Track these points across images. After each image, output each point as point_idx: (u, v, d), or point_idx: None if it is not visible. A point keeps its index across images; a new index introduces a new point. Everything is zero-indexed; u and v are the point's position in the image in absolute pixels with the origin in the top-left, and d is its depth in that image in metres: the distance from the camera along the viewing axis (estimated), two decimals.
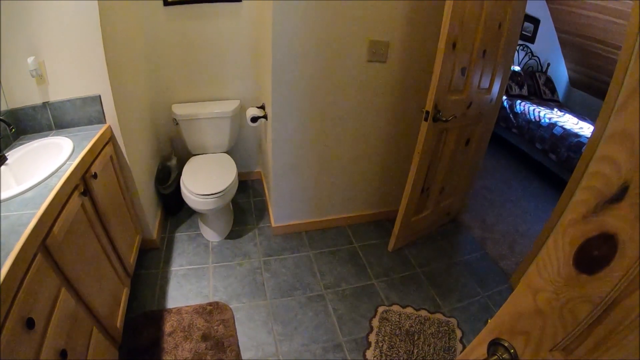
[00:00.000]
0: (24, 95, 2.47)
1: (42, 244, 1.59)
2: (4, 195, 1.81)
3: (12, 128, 2.15)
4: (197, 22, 3.23)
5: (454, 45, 2.28)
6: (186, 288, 2.80)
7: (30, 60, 2.33)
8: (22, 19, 2.25)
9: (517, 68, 5.99)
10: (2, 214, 1.68)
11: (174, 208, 3.58)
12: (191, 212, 3.59)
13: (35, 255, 1.52)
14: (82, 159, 2.09)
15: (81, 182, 2.04)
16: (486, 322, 1.05)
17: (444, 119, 2.45)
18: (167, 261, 3.05)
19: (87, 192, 2.09)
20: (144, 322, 2.55)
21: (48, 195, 1.73)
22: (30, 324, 1.38)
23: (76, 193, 1.96)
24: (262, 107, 3.13)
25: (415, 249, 3.22)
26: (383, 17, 2.51)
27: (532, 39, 5.99)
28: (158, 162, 3.58)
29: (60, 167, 1.98)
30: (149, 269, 2.98)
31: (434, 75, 2.33)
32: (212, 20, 3.23)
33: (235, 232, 3.34)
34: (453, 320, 2.61)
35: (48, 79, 2.45)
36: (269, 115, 2.83)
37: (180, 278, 2.89)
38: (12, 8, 2.23)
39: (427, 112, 2.44)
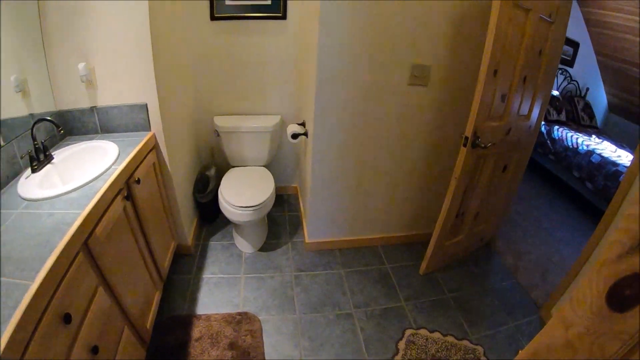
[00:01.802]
0: (73, 98, 2.61)
1: (84, 243, 1.66)
2: (50, 193, 1.90)
3: (61, 130, 2.24)
4: (242, 37, 3.33)
5: (495, 72, 2.28)
6: (217, 296, 2.85)
7: (81, 66, 2.45)
8: (75, 26, 2.40)
9: (555, 93, 5.86)
10: (47, 211, 1.77)
11: (210, 217, 3.65)
12: (226, 222, 3.65)
13: (77, 254, 1.59)
14: (127, 164, 2.17)
15: (125, 186, 2.13)
16: (517, 352, 1.07)
17: (483, 145, 2.44)
18: (200, 268, 3.12)
19: (129, 196, 2.18)
20: (172, 325, 2.61)
21: (93, 197, 1.81)
22: (67, 319, 1.44)
23: (119, 197, 2.04)
24: (303, 124, 3.18)
25: (446, 273, 3.19)
26: (426, 41, 2.53)
27: (571, 63, 5.85)
28: (197, 171, 3.67)
29: (105, 171, 2.07)
30: (181, 274, 3.05)
31: (474, 102, 2.33)
32: (257, 36, 3.32)
33: (268, 245, 3.38)
34: (479, 348, 2.58)
35: (97, 85, 2.57)
36: (310, 133, 2.88)
37: (211, 285, 2.94)
38: (67, 16, 2.38)
39: (467, 138, 2.43)
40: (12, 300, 1.26)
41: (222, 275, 3.04)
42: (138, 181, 2.28)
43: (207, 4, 3.18)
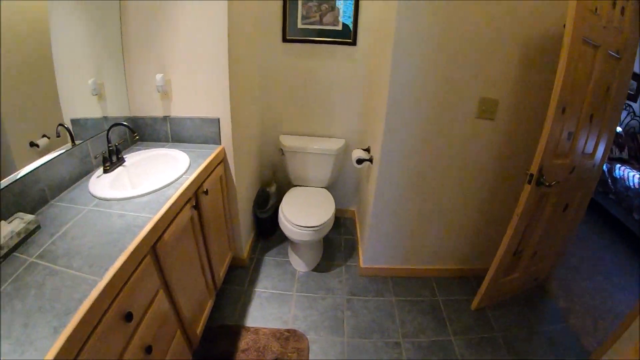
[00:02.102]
0: (147, 106, 2.78)
1: (152, 247, 1.74)
2: (121, 195, 2.02)
3: (136, 135, 2.37)
4: (312, 60, 3.42)
5: (563, 110, 2.24)
6: (267, 310, 2.89)
7: (159, 76, 2.59)
8: (155, 39, 2.57)
9: (618, 129, 5.53)
10: (118, 212, 1.86)
11: (267, 232, 3.72)
12: (282, 239, 3.70)
13: (144, 256, 1.66)
14: (198, 175, 2.27)
15: (193, 196, 2.21)
16: None
17: (547, 183, 2.38)
18: (253, 281, 3.17)
19: (197, 206, 2.26)
20: (221, 334, 2.66)
21: (165, 203, 1.90)
22: (128, 317, 1.50)
23: (188, 205, 2.13)
24: (368, 150, 3.20)
25: (497, 311, 3.11)
26: (495, 76, 2.51)
27: (635, 98, 5.54)
28: (258, 186, 3.76)
29: (177, 179, 2.17)
30: (234, 285, 3.12)
31: (541, 139, 2.28)
32: (327, 59, 3.40)
33: (322, 266, 3.40)
34: None
35: (172, 96, 2.70)
36: (375, 160, 2.90)
37: (262, 300, 2.99)
38: (147, 29, 2.56)
39: (531, 175, 2.39)
40: (79, 293, 1.34)
41: (274, 291, 3.08)
42: (206, 192, 2.37)
43: (280, 26, 3.30)
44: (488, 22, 2.34)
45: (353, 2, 3.15)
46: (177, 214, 1.99)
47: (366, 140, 3.43)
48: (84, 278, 1.41)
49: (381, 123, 2.69)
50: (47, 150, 2.05)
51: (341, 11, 3.21)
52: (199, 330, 2.37)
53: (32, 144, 1.99)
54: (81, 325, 1.22)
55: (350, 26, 3.24)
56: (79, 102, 2.40)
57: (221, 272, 2.83)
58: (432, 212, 3.04)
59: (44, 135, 2.05)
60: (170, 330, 1.97)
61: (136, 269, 1.59)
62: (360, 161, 3.08)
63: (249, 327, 2.73)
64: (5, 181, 1.78)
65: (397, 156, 2.76)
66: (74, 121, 2.26)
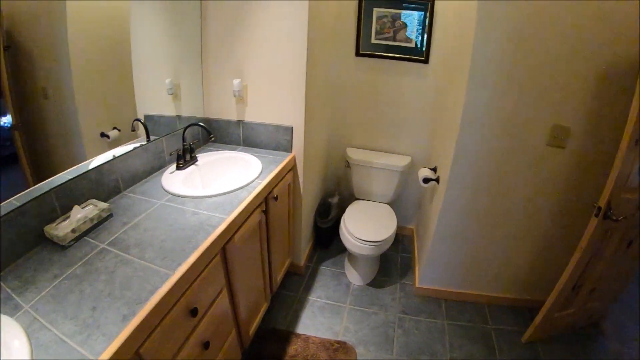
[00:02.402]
0: (221, 109, 2.88)
1: (222, 247, 1.79)
2: (195, 193, 2.10)
3: (212, 137, 2.44)
4: (383, 75, 3.43)
5: (636, 142, 2.16)
6: (319, 320, 2.91)
7: (236, 82, 2.67)
8: (235, 46, 2.69)
9: None
10: (191, 209, 1.94)
11: (325, 242, 3.74)
12: (339, 250, 3.72)
13: (215, 256, 1.72)
14: (270, 180, 2.33)
15: (264, 201, 2.27)
16: None
17: (615, 217, 2.31)
18: (308, 289, 3.20)
19: (266, 211, 2.31)
20: (271, 337, 2.71)
21: (238, 206, 1.96)
22: (194, 312, 1.56)
23: (258, 210, 2.18)
24: (434, 170, 3.18)
25: (548, 345, 3.00)
26: (568, 103, 2.44)
27: None
28: (321, 196, 3.78)
29: (249, 183, 2.23)
30: (289, 291, 3.16)
31: (612, 171, 2.20)
32: (397, 76, 3.40)
33: (377, 281, 3.38)
34: None
35: (247, 101, 2.77)
36: (442, 180, 2.87)
37: (315, 308, 3.01)
38: (227, 36, 2.67)
39: (599, 208, 2.31)
40: (151, 285, 1.40)
41: (327, 301, 3.09)
42: (276, 198, 2.42)
43: (353, 40, 3.34)
44: (563, 48, 2.28)
45: (427, 20, 3.14)
46: (248, 217, 2.05)
47: (432, 159, 3.40)
48: (155, 270, 1.47)
49: (451, 145, 2.66)
50: (116, 142, 2.17)
51: (414, 28, 3.20)
52: (252, 331, 2.41)
53: (103, 135, 2.10)
54: (150, 316, 1.28)
55: (424, 44, 3.23)
56: (154, 100, 2.52)
57: (279, 276, 2.87)
58: (494, 238, 2.98)
59: (114, 127, 2.17)
60: (227, 329, 2.01)
61: (206, 266, 1.64)
62: (426, 180, 3.06)
63: (299, 334, 2.75)
64: (76, 169, 1.89)
65: (465, 179, 2.72)
66: (147, 117, 2.38)
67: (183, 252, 1.58)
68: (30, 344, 1.14)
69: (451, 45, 3.06)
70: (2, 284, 1.42)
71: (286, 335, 2.72)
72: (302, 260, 3.34)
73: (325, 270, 3.45)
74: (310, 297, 3.12)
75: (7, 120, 1.58)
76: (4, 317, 1.24)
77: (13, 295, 1.36)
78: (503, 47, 2.31)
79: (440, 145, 3.12)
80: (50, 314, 1.26)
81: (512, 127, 2.52)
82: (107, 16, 2.09)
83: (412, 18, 3.18)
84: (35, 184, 1.68)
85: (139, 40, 2.30)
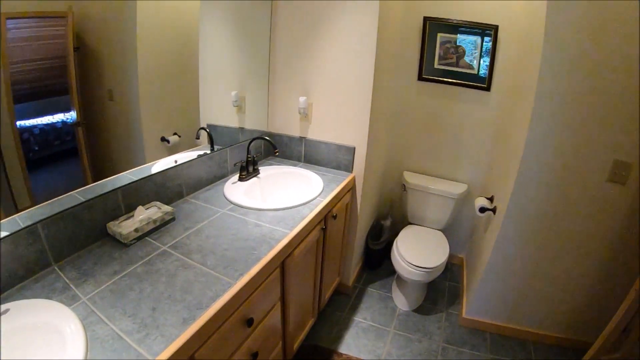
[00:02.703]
0: (286, 125, 2.95)
1: (283, 261, 1.83)
2: (258, 205, 2.15)
3: (277, 151, 2.49)
4: (444, 101, 3.42)
5: None
6: (362, 341, 2.89)
7: (302, 99, 2.73)
8: (301, 66, 2.77)
9: None
10: (254, 221, 1.98)
11: (374, 264, 3.72)
12: (388, 273, 3.69)
13: (275, 269, 1.75)
14: (331, 199, 2.36)
15: (323, 219, 2.29)
16: None
17: None
18: (353, 310, 3.19)
19: (325, 229, 2.33)
20: (313, 353, 2.71)
21: (301, 222, 2.00)
22: (249, 322, 1.59)
23: (318, 227, 2.21)
24: (491, 199, 3.14)
25: None
26: (630, 138, 2.39)
27: None
28: (374, 217, 3.78)
29: (311, 200, 2.27)
30: (335, 309, 3.16)
31: None
32: (459, 102, 3.38)
33: (423, 308, 3.34)
34: None
35: (312, 119, 2.82)
36: (499, 211, 2.83)
37: (359, 329, 2.99)
38: (296, 53, 2.75)
39: None
40: (212, 291, 1.43)
41: (372, 323, 3.07)
42: (335, 217, 2.45)
43: (416, 64, 3.35)
44: (628, 82, 2.22)
45: (490, 48, 3.12)
46: (308, 233, 2.08)
47: (489, 188, 3.34)
48: (217, 277, 1.51)
49: (511, 176, 2.62)
50: (175, 147, 2.26)
51: (477, 55, 3.19)
52: (296, 346, 2.42)
53: (163, 139, 2.19)
54: (210, 322, 1.31)
55: (486, 72, 3.20)
56: (218, 110, 2.61)
57: (327, 294, 2.88)
58: (547, 274, 2.90)
59: (174, 133, 2.25)
60: (274, 341, 2.04)
61: (266, 279, 1.68)
62: (483, 210, 3.01)
63: (341, 353, 2.74)
64: (139, 170, 2.01)
65: (523, 212, 2.66)
66: (210, 126, 2.46)
67: (245, 262, 1.61)
68: (86, 335, 1.19)
69: (514, 74, 3.03)
70: (60, 272, 1.49)
71: (328, 354, 2.72)
72: (350, 280, 3.34)
73: (373, 292, 3.44)
74: (355, 318, 3.11)
75: (70, 116, 1.67)
76: (59, 305, 1.30)
77: (71, 285, 1.43)
78: (568, 80, 2.27)
79: (499, 175, 3.07)
80: (108, 309, 1.31)
81: (572, 160, 2.46)
82: (176, 24, 2.20)
83: (475, 45, 3.17)
84: (94, 180, 1.78)
85: (207, 50, 2.39)
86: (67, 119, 1.66)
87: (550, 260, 2.81)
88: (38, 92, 1.55)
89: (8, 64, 1.38)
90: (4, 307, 1.26)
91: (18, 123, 1.46)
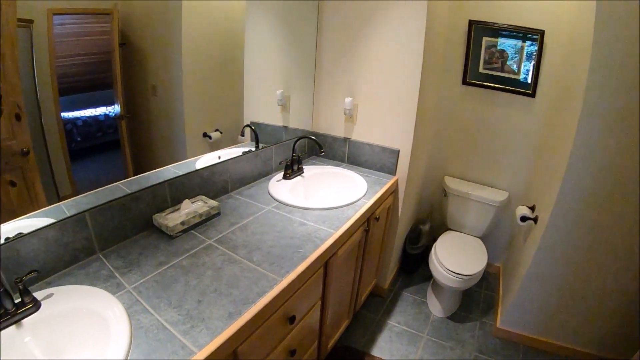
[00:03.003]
0: (331, 126, 2.97)
1: (327, 260, 1.84)
2: (303, 204, 2.16)
3: (322, 151, 2.51)
4: (488, 106, 3.36)
5: None
6: (395, 345, 2.88)
7: (348, 100, 2.73)
8: (348, 67, 2.78)
9: None
10: (299, 219, 2.00)
11: (410, 268, 3.70)
12: (423, 279, 3.67)
13: (319, 268, 1.77)
14: (375, 201, 2.36)
15: (366, 220, 2.29)
16: None
17: None
18: (387, 313, 3.18)
19: (367, 230, 2.34)
20: (345, 354, 2.72)
21: (346, 222, 2.01)
22: (292, 320, 1.60)
23: (361, 228, 2.22)
24: (532, 209, 3.09)
25: None
26: None
27: None
28: (413, 222, 3.77)
29: (356, 201, 2.27)
30: (369, 312, 3.16)
31: None
32: (503, 108, 3.32)
33: (457, 316, 3.31)
34: None
35: (356, 120, 2.82)
36: (541, 221, 2.77)
37: (393, 333, 2.99)
38: (342, 55, 2.77)
39: None
40: (258, 287, 1.45)
41: (406, 328, 3.06)
42: (377, 219, 2.45)
43: (461, 68, 3.32)
44: None
45: (533, 53, 3.06)
46: (352, 234, 2.09)
47: (531, 196, 3.28)
48: (263, 274, 1.53)
49: (555, 186, 2.56)
50: (217, 143, 2.30)
51: (522, 61, 3.13)
52: (330, 345, 2.43)
53: (205, 135, 2.24)
54: (256, 317, 1.32)
55: (531, 78, 3.15)
56: (263, 108, 2.64)
57: (363, 296, 2.88)
58: (586, 289, 2.83)
59: (216, 129, 2.30)
60: (311, 339, 2.05)
61: (310, 277, 1.69)
62: (524, 219, 2.96)
63: (373, 356, 2.74)
64: (184, 164, 2.07)
65: (566, 223, 2.60)
66: (253, 123, 2.50)
67: (291, 260, 1.63)
68: (130, 323, 1.22)
69: (561, 81, 2.96)
70: (105, 261, 1.52)
71: (360, 355, 2.72)
72: (386, 283, 3.34)
73: (407, 297, 3.42)
74: (389, 321, 3.10)
75: (112, 109, 1.72)
76: (104, 292, 1.34)
77: (116, 274, 1.47)
78: (616, 92, 2.21)
79: (542, 184, 3.01)
80: (153, 299, 1.34)
81: (618, 173, 2.41)
82: (222, 21, 2.25)
83: (515, 49, 3.12)
84: (135, 172, 1.83)
85: (252, 48, 2.43)
86: (110, 112, 1.72)
87: (589, 275, 2.75)
88: (83, 85, 1.60)
89: (55, 58, 1.44)
90: (47, 291, 1.31)
91: (62, 114, 1.51)
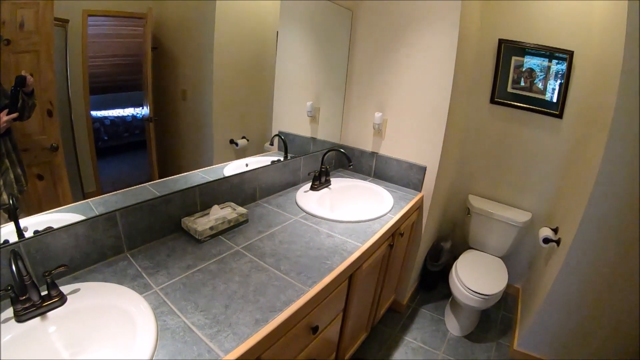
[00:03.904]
0: (359, 139, 3.00)
1: (352, 273, 1.85)
2: (330, 215, 2.19)
3: (351, 164, 2.53)
4: (515, 125, 3.36)
5: None
6: None
7: (377, 115, 2.76)
8: (378, 83, 2.81)
9: None
10: (326, 231, 2.02)
11: (429, 285, 3.70)
12: (442, 296, 3.66)
13: (344, 280, 1.79)
14: (401, 216, 2.37)
15: (391, 235, 2.31)
16: None
17: None
18: (404, 329, 3.18)
19: (392, 245, 2.35)
20: None
21: (373, 236, 2.02)
22: (315, 330, 1.62)
23: (386, 243, 2.23)
24: (555, 231, 3.07)
25: None
26: None
27: None
28: (435, 239, 3.76)
29: (382, 216, 2.29)
30: (386, 326, 3.15)
31: None
32: (530, 128, 3.31)
33: (474, 335, 3.28)
34: None
35: (385, 135, 2.84)
36: (564, 244, 2.74)
37: (408, 349, 2.97)
38: (373, 71, 2.80)
39: None
40: (285, 296, 1.47)
41: (422, 345, 3.05)
42: (402, 234, 2.46)
43: (489, 87, 3.33)
44: None
45: (560, 72, 3.05)
46: (378, 248, 2.10)
47: (554, 218, 3.26)
48: (291, 283, 1.55)
49: (579, 210, 2.54)
50: (243, 151, 2.34)
51: (550, 82, 3.12)
52: (347, 357, 2.43)
53: (232, 142, 2.28)
54: (282, 326, 1.34)
55: (557, 97, 3.13)
56: (291, 118, 2.69)
57: (382, 310, 2.89)
58: (607, 315, 2.79)
59: (243, 137, 2.33)
60: (330, 351, 2.06)
61: (335, 289, 1.71)
62: (546, 241, 2.95)
63: None
64: (211, 170, 2.12)
65: (589, 247, 2.56)
66: (281, 133, 2.54)
67: (319, 271, 1.65)
68: (157, 323, 1.24)
69: (589, 103, 2.93)
70: (132, 260, 1.55)
71: None
72: (405, 299, 3.33)
73: (425, 314, 3.41)
74: (405, 337, 3.09)
75: (140, 111, 1.76)
76: (131, 291, 1.37)
77: (143, 274, 1.51)
78: None
79: (566, 206, 2.99)
80: (180, 301, 1.37)
81: None
82: (255, 30, 2.29)
83: (541, 68, 3.12)
84: (160, 173, 1.88)
85: (285, 58, 2.47)
86: (137, 113, 1.76)
87: (612, 301, 2.72)
88: (113, 85, 1.65)
89: (87, 57, 1.48)
90: (74, 286, 1.34)
91: (91, 113, 1.56)
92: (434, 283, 3.69)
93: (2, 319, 1.17)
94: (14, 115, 1.26)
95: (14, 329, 1.14)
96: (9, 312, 1.19)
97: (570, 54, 2.96)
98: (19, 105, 1.27)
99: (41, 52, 1.33)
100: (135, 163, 1.85)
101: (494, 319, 3.57)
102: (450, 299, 3.49)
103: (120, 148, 1.74)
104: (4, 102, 1.24)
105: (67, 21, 1.39)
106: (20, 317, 1.17)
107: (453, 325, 3.24)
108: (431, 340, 3.12)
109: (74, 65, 1.44)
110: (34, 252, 1.34)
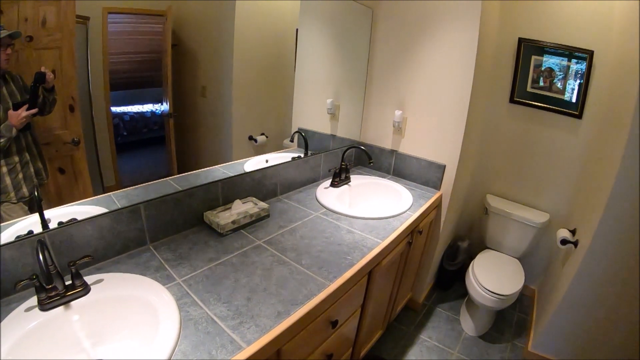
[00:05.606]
0: (379, 137, 3.01)
1: (371, 269, 1.87)
2: (350, 212, 2.21)
3: (371, 162, 2.55)
4: (534, 125, 3.34)
5: None
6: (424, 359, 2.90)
7: (397, 113, 2.76)
8: (399, 81, 2.81)
9: None
10: (346, 227, 2.04)
11: (445, 284, 3.70)
12: (458, 296, 3.67)
13: (363, 276, 1.81)
14: (420, 214, 2.39)
15: (410, 233, 2.32)
16: None
17: None
18: (420, 327, 3.19)
19: (410, 242, 2.36)
20: None
21: (392, 233, 2.04)
22: (334, 324, 1.65)
23: (405, 240, 2.25)
24: (573, 232, 3.06)
25: None
26: None
27: None
28: (452, 238, 3.77)
29: (401, 213, 2.31)
30: (402, 324, 3.17)
31: None
32: (549, 128, 3.29)
33: (489, 336, 3.28)
34: None
35: (405, 133, 2.84)
36: (581, 245, 2.72)
37: (423, 348, 2.99)
38: (393, 69, 2.81)
39: None
40: (307, 289, 1.49)
41: (436, 343, 3.05)
42: (420, 232, 2.47)
43: (509, 86, 3.31)
44: None
45: (579, 72, 3.04)
46: (397, 245, 2.12)
47: (572, 219, 3.23)
48: (312, 277, 1.58)
49: (598, 211, 2.52)
50: (261, 147, 2.37)
51: (570, 82, 3.10)
52: (362, 353, 2.45)
53: (251, 138, 2.31)
54: (303, 319, 1.36)
55: (576, 97, 3.11)
56: (311, 116, 2.71)
57: (398, 308, 2.91)
58: (624, 319, 2.79)
59: (262, 133, 2.37)
60: (347, 345, 2.08)
61: (355, 284, 1.73)
62: (564, 242, 2.93)
63: None
64: (230, 165, 2.15)
65: (607, 249, 2.54)
66: (301, 130, 2.57)
67: (339, 266, 1.67)
68: (180, 314, 1.27)
69: (610, 104, 2.89)
70: (155, 252, 1.58)
71: None
72: (421, 297, 3.35)
73: (441, 313, 3.42)
74: (420, 335, 3.10)
75: (159, 107, 1.81)
76: (154, 282, 1.40)
77: (166, 266, 1.54)
78: None
79: (584, 208, 2.97)
80: (203, 293, 1.40)
81: None
82: (274, 28, 2.32)
83: (560, 67, 3.10)
84: (179, 168, 1.92)
85: (304, 56, 2.49)
86: (156, 109, 1.80)
87: (629, 304, 2.71)
88: (133, 82, 1.69)
89: (107, 54, 1.52)
90: (97, 277, 1.38)
91: (112, 108, 1.60)
92: (450, 282, 3.69)
93: (26, 307, 1.20)
94: (34, 110, 1.30)
95: (38, 317, 1.18)
96: (33, 300, 1.22)
97: (590, 53, 2.94)
98: (39, 101, 1.31)
99: (63, 48, 1.37)
100: (154, 158, 1.90)
101: (509, 319, 3.56)
102: (465, 299, 3.50)
103: (139, 143, 1.78)
104: (25, 97, 1.28)
105: (88, 18, 1.43)
106: (44, 306, 1.20)
107: (468, 325, 3.24)
108: (446, 339, 3.13)
109: (95, 61, 1.47)
110: (58, 243, 1.38)
